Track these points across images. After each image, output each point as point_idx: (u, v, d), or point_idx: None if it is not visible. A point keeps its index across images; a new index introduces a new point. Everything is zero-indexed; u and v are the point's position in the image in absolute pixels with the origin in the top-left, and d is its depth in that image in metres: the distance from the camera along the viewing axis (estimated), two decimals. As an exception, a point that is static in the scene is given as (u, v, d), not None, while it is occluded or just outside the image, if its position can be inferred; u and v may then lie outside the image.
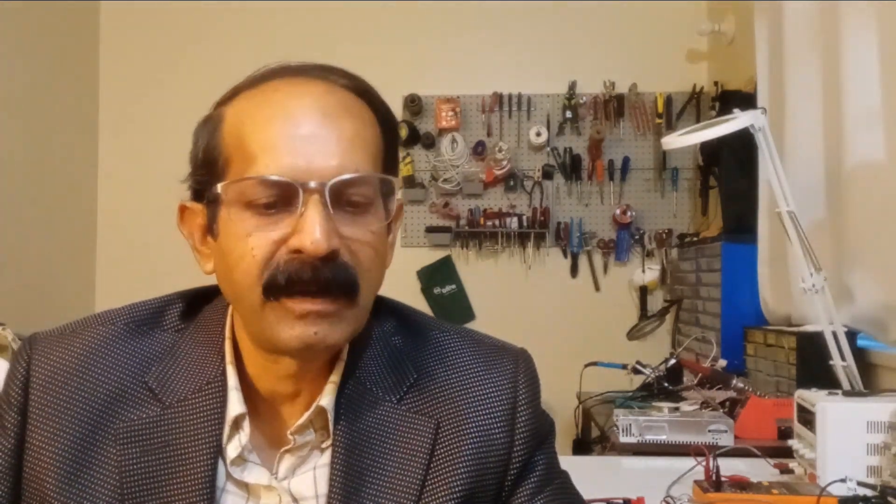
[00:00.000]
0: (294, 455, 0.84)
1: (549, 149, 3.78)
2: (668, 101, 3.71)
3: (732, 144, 2.75)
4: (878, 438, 1.41)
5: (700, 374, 2.33)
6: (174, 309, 0.90)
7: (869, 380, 2.04)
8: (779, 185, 1.74)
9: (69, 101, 3.77)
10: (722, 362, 2.47)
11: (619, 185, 3.75)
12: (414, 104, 3.75)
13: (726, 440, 1.82)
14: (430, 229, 3.79)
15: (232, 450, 0.82)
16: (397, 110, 3.66)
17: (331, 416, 0.83)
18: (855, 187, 2.08)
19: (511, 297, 3.77)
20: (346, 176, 0.77)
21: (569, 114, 3.75)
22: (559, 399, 2.78)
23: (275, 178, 0.76)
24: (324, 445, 0.84)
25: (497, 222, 3.74)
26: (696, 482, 1.42)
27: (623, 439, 1.88)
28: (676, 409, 2.03)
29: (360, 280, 0.79)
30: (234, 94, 0.83)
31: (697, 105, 3.69)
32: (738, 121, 1.76)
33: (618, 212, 3.72)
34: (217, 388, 0.83)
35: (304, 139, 0.77)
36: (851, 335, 1.90)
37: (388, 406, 0.85)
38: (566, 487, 0.91)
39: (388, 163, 0.84)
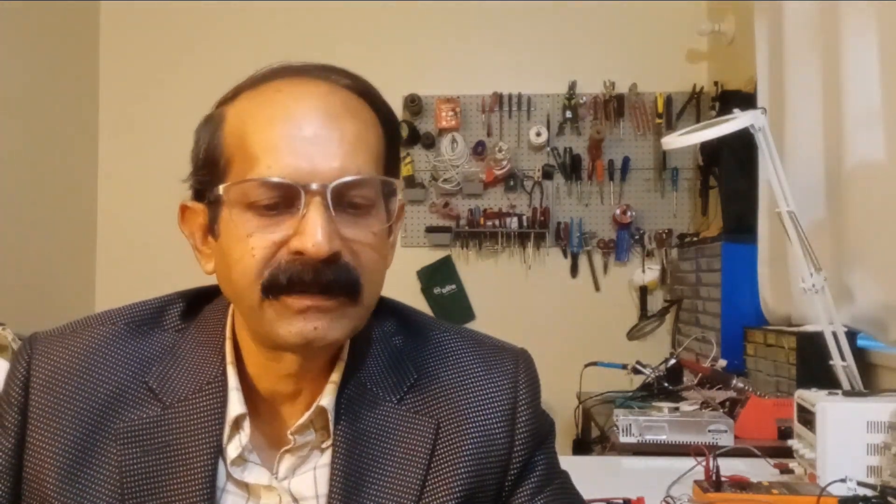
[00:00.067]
0: (294, 455, 0.84)
1: (549, 149, 3.78)
2: (668, 101, 3.71)
3: (732, 144, 2.75)
4: (878, 438, 1.41)
5: (700, 374, 2.33)
6: (174, 309, 0.90)
7: (869, 380, 2.04)
8: (779, 185, 1.74)
9: (69, 101, 3.77)
10: (722, 362, 2.47)
11: (619, 185, 3.75)
12: (414, 104, 3.75)
13: (726, 440, 1.82)
14: (430, 229, 3.79)
15: (232, 450, 0.82)
16: (397, 110, 3.66)
17: (331, 416, 0.83)
18: (855, 187, 2.08)
19: (511, 297, 3.77)
20: (348, 178, 0.77)
21: (569, 114, 3.75)
22: (559, 399, 2.78)
23: (276, 179, 0.76)
24: (324, 445, 0.84)
25: (497, 222, 3.74)
26: (696, 482, 1.42)
27: (623, 439, 1.88)
28: (676, 409, 2.03)
29: (362, 281, 0.79)
30: (235, 94, 0.83)
31: (697, 105, 3.69)
32: (738, 121, 1.76)
33: (618, 212, 3.72)
34: (217, 388, 0.84)
35: (306, 140, 0.77)
36: (851, 335, 1.90)
37: (389, 406, 0.85)
38: (566, 487, 0.91)
39: (390, 164, 0.84)
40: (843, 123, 2.10)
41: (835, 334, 1.71)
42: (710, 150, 3.23)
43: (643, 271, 3.70)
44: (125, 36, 3.96)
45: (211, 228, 0.82)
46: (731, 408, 2.09)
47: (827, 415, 1.44)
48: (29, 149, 3.42)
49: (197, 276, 0.89)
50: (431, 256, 3.81)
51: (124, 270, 3.84)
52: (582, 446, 2.75)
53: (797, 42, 2.41)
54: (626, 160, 3.73)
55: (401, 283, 3.58)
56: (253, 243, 0.77)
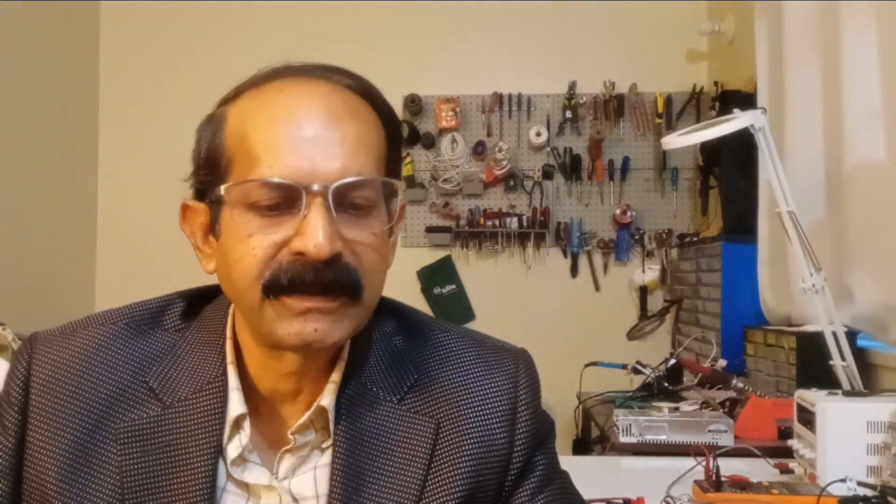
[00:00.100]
0: (294, 455, 0.84)
1: (549, 149, 3.78)
2: (668, 101, 3.71)
3: (732, 144, 2.75)
4: (878, 438, 1.41)
5: (700, 374, 2.33)
6: (175, 309, 0.90)
7: (869, 380, 2.04)
8: (779, 185, 1.74)
9: (69, 101, 3.76)
10: (722, 362, 2.47)
11: (619, 185, 3.75)
12: (414, 104, 3.75)
13: (726, 440, 1.82)
14: (430, 229, 3.79)
15: (232, 450, 0.82)
16: (397, 110, 3.64)
17: (331, 416, 0.83)
18: (855, 187, 2.09)
19: (511, 297, 3.77)
20: (350, 179, 0.77)
21: (569, 114, 3.75)
22: (559, 399, 2.78)
23: (277, 180, 0.76)
24: (324, 445, 0.84)
25: (497, 222, 3.74)
26: (696, 482, 1.42)
27: (623, 439, 1.88)
28: (676, 409, 2.03)
29: (363, 281, 0.79)
30: (237, 94, 0.83)
31: (697, 105, 3.69)
32: (738, 121, 1.76)
33: (618, 212, 3.72)
34: (218, 388, 0.84)
35: (308, 141, 0.77)
36: (851, 335, 1.90)
37: (389, 406, 0.85)
38: (566, 487, 0.91)
39: (391, 164, 0.84)
40: (843, 123, 2.10)
41: (835, 334, 1.71)
42: (710, 150, 3.24)
43: (643, 271, 3.70)
44: (125, 36, 3.96)
45: (212, 228, 0.82)
46: (731, 408, 2.09)
47: (827, 415, 1.44)
48: (29, 149, 3.42)
49: (197, 276, 0.89)
50: (431, 256, 3.81)
51: (124, 270, 3.84)
52: (582, 446, 2.75)
53: (797, 42, 2.41)
54: (626, 160, 3.73)
55: (401, 283, 3.57)
56: (254, 243, 0.77)
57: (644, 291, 3.72)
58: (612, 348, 3.26)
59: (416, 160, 3.80)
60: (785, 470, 1.61)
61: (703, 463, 1.43)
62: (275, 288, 0.76)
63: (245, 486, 0.83)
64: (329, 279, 0.76)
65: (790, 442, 1.59)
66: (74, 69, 3.81)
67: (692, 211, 3.73)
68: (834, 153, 2.20)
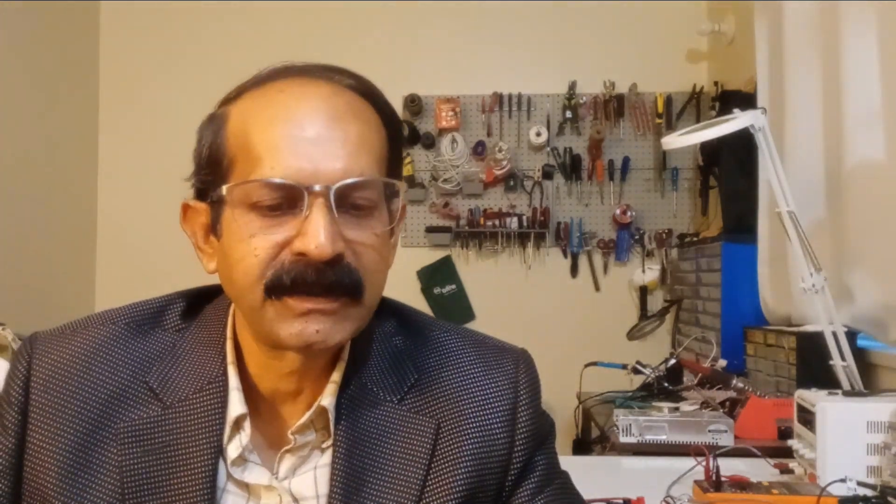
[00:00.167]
0: (294, 455, 0.84)
1: (549, 149, 3.78)
2: (668, 101, 3.72)
3: (732, 144, 2.75)
4: (878, 438, 1.41)
5: (700, 374, 2.33)
6: (175, 308, 0.90)
7: (869, 380, 2.04)
8: (779, 185, 1.74)
9: (69, 101, 3.77)
10: (722, 362, 2.47)
11: (619, 185, 3.75)
12: (414, 104, 3.75)
13: (726, 440, 1.82)
14: (430, 229, 3.79)
15: (233, 450, 0.82)
16: (397, 110, 3.66)
17: (332, 416, 0.83)
18: (855, 187, 2.09)
19: (511, 297, 3.77)
20: (351, 180, 0.77)
21: (569, 114, 3.75)
22: (559, 399, 2.78)
23: (279, 180, 0.76)
24: (324, 445, 0.84)
25: (497, 222, 3.74)
26: (696, 482, 1.42)
27: (623, 439, 1.88)
28: (676, 409, 2.03)
29: (364, 282, 0.79)
30: (238, 94, 0.83)
31: (697, 105, 3.69)
32: (738, 121, 1.76)
33: (618, 212, 3.72)
34: (218, 388, 0.84)
35: (310, 141, 0.77)
36: (851, 335, 1.90)
37: (389, 406, 0.85)
38: (566, 488, 0.91)
39: (393, 165, 0.84)
40: (843, 123, 2.10)
41: (835, 334, 1.71)
42: (710, 150, 3.24)
43: (643, 271, 3.70)
44: (125, 36, 3.96)
45: (213, 228, 0.82)
46: (731, 408, 2.09)
47: (827, 415, 1.44)
48: (29, 149, 3.42)
49: (197, 276, 0.89)
50: (431, 256, 3.81)
51: (124, 270, 3.84)
52: (582, 446, 2.75)
53: (797, 42, 2.41)
54: (626, 160, 3.73)
55: (401, 283, 3.57)
56: (256, 244, 0.77)
57: (644, 291, 3.72)
58: (612, 348, 3.26)
59: (416, 160, 3.80)
60: (785, 470, 1.61)
61: (703, 463, 1.43)
62: (277, 288, 0.76)
63: (245, 486, 0.83)
64: (330, 280, 0.76)
65: (790, 442, 1.59)
66: (74, 69, 3.81)
67: (692, 211, 3.73)
68: (834, 153, 2.20)
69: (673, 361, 2.42)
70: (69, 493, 0.80)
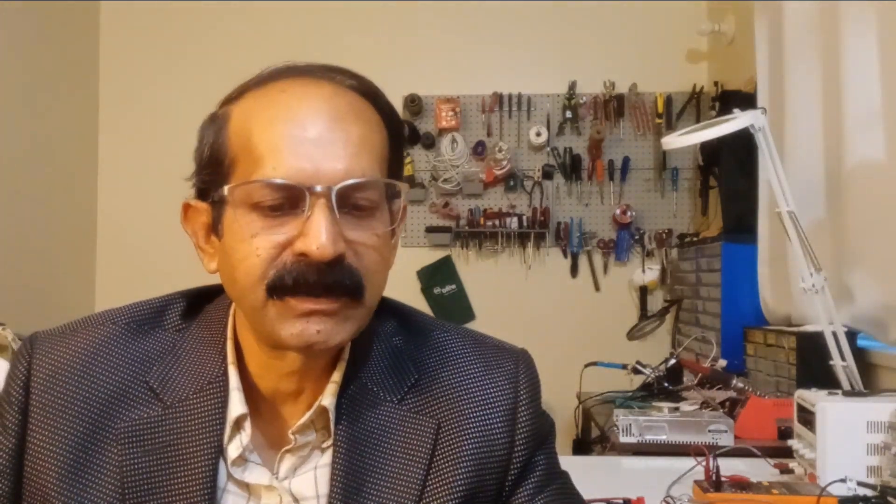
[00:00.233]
0: (295, 455, 0.84)
1: (549, 149, 3.78)
2: (668, 101, 3.72)
3: (732, 144, 2.75)
4: (878, 438, 1.41)
5: (700, 374, 2.33)
6: (175, 308, 0.90)
7: (869, 380, 2.05)
8: (779, 185, 1.74)
9: (69, 101, 3.77)
10: (722, 362, 2.47)
11: (619, 185, 3.75)
12: (414, 104, 3.75)
13: (726, 440, 1.83)
14: (430, 229, 3.79)
15: (233, 450, 0.82)
16: (397, 110, 3.66)
17: (332, 416, 0.83)
18: (855, 187, 2.09)
19: (511, 297, 3.77)
20: (353, 180, 0.77)
21: (569, 114, 3.75)
22: (559, 399, 2.78)
23: (281, 181, 0.76)
24: (324, 445, 0.84)
25: (497, 222, 3.74)
26: (696, 482, 1.42)
27: (623, 439, 1.88)
28: (676, 409, 2.03)
29: (364, 282, 0.79)
30: (240, 93, 0.83)
31: (697, 105, 3.69)
32: (738, 121, 1.76)
33: (618, 212, 3.72)
34: (218, 388, 0.84)
35: (311, 142, 0.77)
36: (851, 335, 1.90)
37: (389, 406, 0.85)
38: (566, 488, 0.91)
39: (394, 165, 0.84)
40: (843, 123, 2.10)
41: (835, 334, 1.71)
42: (710, 150, 3.24)
43: (643, 271, 3.70)
44: (125, 36, 3.96)
45: (214, 228, 0.82)
46: (731, 408, 2.09)
47: (827, 415, 1.45)
48: (29, 149, 3.42)
49: (196, 276, 0.89)
50: (431, 256, 3.81)
51: (124, 270, 3.84)
52: (582, 446, 2.75)
53: (797, 42, 2.41)
54: (626, 160, 3.73)
55: (401, 283, 3.57)
56: (257, 244, 0.77)
57: (644, 291, 3.72)
58: (612, 348, 3.26)
59: (416, 160, 3.80)
60: (785, 470, 1.61)
61: (703, 463, 1.43)
62: (279, 288, 0.76)
63: (245, 487, 0.83)
64: (332, 280, 0.76)
65: (790, 442, 1.59)
66: (74, 69, 3.81)
67: (692, 211, 3.73)
68: (834, 153, 2.20)
69: (673, 361, 2.42)
70: (69, 493, 0.80)
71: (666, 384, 2.34)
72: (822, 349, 1.74)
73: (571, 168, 3.75)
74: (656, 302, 3.71)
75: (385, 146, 0.83)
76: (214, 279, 0.86)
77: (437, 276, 3.80)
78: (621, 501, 1.40)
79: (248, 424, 0.83)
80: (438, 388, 0.87)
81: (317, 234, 0.75)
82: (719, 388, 2.24)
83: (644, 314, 3.69)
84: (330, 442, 0.83)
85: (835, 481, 1.33)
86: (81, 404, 0.83)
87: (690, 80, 3.71)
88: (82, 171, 3.87)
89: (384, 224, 0.81)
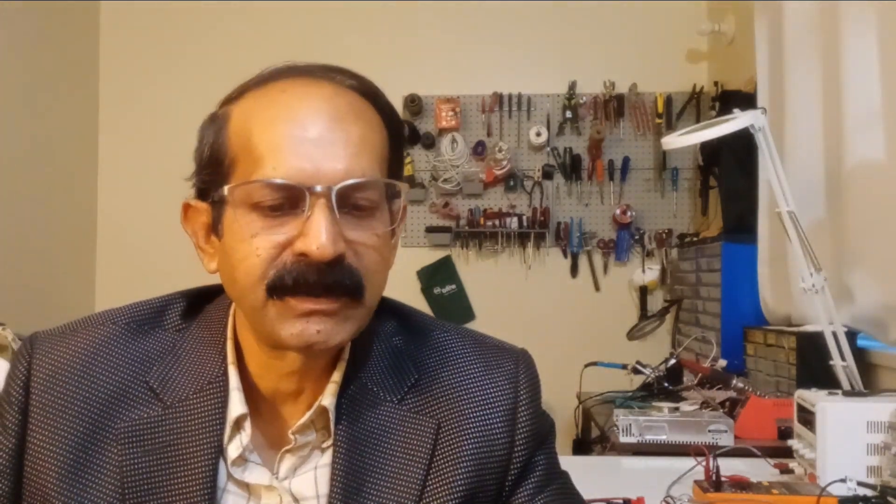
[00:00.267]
0: (295, 455, 0.84)
1: (549, 149, 3.78)
2: (668, 101, 3.72)
3: (732, 144, 2.75)
4: (878, 438, 1.41)
5: (700, 374, 2.33)
6: (175, 308, 0.90)
7: (869, 380, 2.05)
8: (779, 185, 1.74)
9: (69, 101, 3.77)
10: (722, 362, 2.47)
11: (619, 185, 3.75)
12: (414, 104, 3.75)
13: (726, 440, 1.83)
14: (430, 229, 3.79)
15: (233, 450, 0.82)
16: (397, 110, 3.66)
17: (332, 416, 0.83)
18: (855, 187, 2.09)
19: (511, 297, 3.77)
20: (353, 181, 0.77)
21: (569, 114, 3.75)
22: (559, 399, 2.78)
23: (281, 181, 0.76)
24: (324, 445, 0.84)
25: (497, 222, 3.74)
26: (696, 482, 1.42)
27: (623, 439, 1.88)
28: (676, 409, 2.03)
29: (364, 283, 0.79)
30: (240, 93, 0.83)
31: (697, 105, 3.69)
32: (738, 121, 1.76)
33: (618, 212, 3.72)
34: (218, 388, 0.84)
35: (312, 142, 0.77)
36: (851, 335, 1.90)
37: (390, 406, 0.85)
38: (566, 488, 0.91)
39: (394, 165, 0.84)
40: (843, 123, 2.10)
41: (835, 334, 1.71)
42: (710, 150, 3.24)
43: (643, 271, 3.70)
44: (125, 36, 3.96)
45: (214, 228, 0.82)
46: (731, 408, 2.09)
47: (827, 415, 1.45)
48: (29, 149, 3.42)
49: (196, 276, 0.89)
50: (431, 256, 3.81)
51: (124, 270, 3.84)
52: (582, 446, 2.75)
53: (797, 42, 2.41)
54: (626, 160, 3.73)
55: (401, 283, 3.57)
56: (257, 244, 0.77)
57: (644, 291, 3.72)
58: (612, 348, 3.26)
59: (416, 160, 3.80)
60: (785, 470, 1.61)
61: (703, 463, 1.43)
62: (279, 288, 0.77)
63: (246, 487, 0.83)
64: (332, 280, 0.76)
65: (790, 442, 1.59)
66: (74, 69, 3.81)
67: (692, 211, 3.73)
68: (834, 153, 2.20)
69: (673, 361, 2.42)
70: (69, 493, 0.80)
71: (666, 384, 2.34)
72: (822, 349, 1.74)
73: (571, 168, 3.75)
74: (656, 302, 3.71)
75: (385, 146, 0.83)
76: (214, 279, 0.86)
77: (437, 276, 3.80)
78: (621, 501, 1.40)
79: (248, 424, 0.83)
80: (438, 388, 0.87)
81: (317, 234, 0.75)
82: (719, 388, 2.24)
83: (644, 314, 3.69)
84: (330, 442, 0.83)
85: (835, 481, 1.33)
86: (81, 404, 0.83)
87: (690, 80, 3.71)
88: (82, 171, 3.87)
89: (384, 224, 0.81)
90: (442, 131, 3.79)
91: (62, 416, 0.82)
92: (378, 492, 0.81)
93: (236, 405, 0.83)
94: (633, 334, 3.54)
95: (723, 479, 1.40)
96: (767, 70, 2.65)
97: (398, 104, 3.72)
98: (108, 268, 3.92)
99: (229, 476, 0.83)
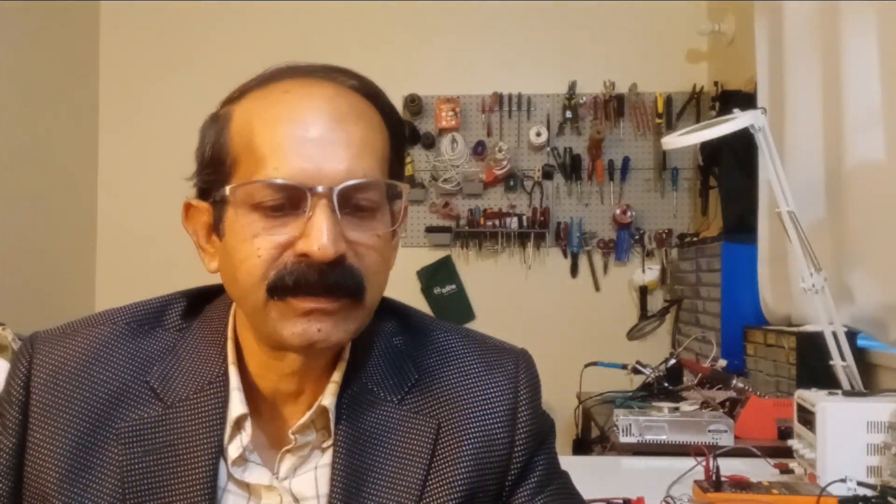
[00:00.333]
0: (295, 455, 0.84)
1: (549, 149, 3.78)
2: (668, 101, 3.72)
3: (732, 144, 2.75)
4: (878, 438, 1.41)
5: (700, 374, 2.33)
6: (176, 308, 0.90)
7: (869, 380, 2.05)
8: (779, 185, 1.74)
9: (69, 101, 3.77)
10: (722, 362, 2.47)
11: (619, 185, 3.75)
12: (414, 104, 3.75)
13: (726, 440, 1.83)
14: (430, 229, 3.79)
15: (233, 450, 0.82)
16: (398, 110, 3.66)
17: (332, 416, 0.83)
18: (855, 187, 2.09)
19: (511, 297, 3.77)
20: (354, 181, 0.77)
21: (569, 114, 3.75)
22: (559, 399, 2.77)
23: (282, 181, 0.76)
24: (324, 445, 0.84)
25: (497, 222, 3.74)
26: (696, 482, 1.42)
27: (623, 439, 1.88)
28: (676, 409, 2.04)
29: (365, 283, 0.79)
30: (242, 93, 0.83)
31: (697, 105, 3.69)
32: (738, 121, 1.76)
33: (618, 212, 3.72)
34: (219, 387, 0.84)
35: (313, 143, 0.77)
36: (851, 335, 1.90)
37: (390, 406, 0.85)
38: (566, 488, 0.91)
39: (395, 166, 0.84)
40: (843, 123, 2.10)
41: (835, 334, 1.71)
42: (710, 150, 3.24)
43: (643, 271, 3.70)
44: (125, 36, 3.96)
45: (215, 227, 0.82)
46: (731, 408, 2.09)
47: (827, 415, 1.45)
48: (29, 149, 3.42)
49: (196, 276, 0.89)
50: (431, 256, 3.81)
51: (124, 270, 3.84)
52: (582, 446, 2.75)
53: (797, 42, 2.41)
54: (626, 160, 3.73)
55: (401, 283, 3.57)
56: (259, 244, 0.77)
57: (644, 291, 3.72)
58: (612, 348, 3.26)
59: (416, 160, 3.80)
60: (785, 470, 1.61)
61: (703, 463, 1.43)
62: (279, 289, 0.77)
63: (246, 487, 0.83)
64: (332, 281, 0.76)
65: (790, 442, 1.59)
66: (74, 69, 3.81)
67: (692, 211, 3.73)
68: (834, 153, 2.20)
69: (673, 361, 2.42)
70: (70, 492, 0.80)
71: (666, 384, 2.34)
72: (822, 349, 1.74)
73: (571, 168, 3.75)
74: (656, 302, 3.71)
75: (386, 147, 0.83)
76: (215, 279, 0.86)
77: (437, 276, 3.80)
78: (621, 501, 1.40)
79: (248, 424, 0.83)
80: (438, 389, 0.87)
81: (318, 234, 0.75)
82: (719, 388, 2.24)
83: (644, 314, 3.69)
84: (330, 442, 0.83)
85: (835, 481, 1.33)
86: (82, 404, 0.83)
87: (690, 80, 3.71)
88: (82, 171, 3.87)
89: (385, 225, 0.81)
90: (442, 131, 3.79)
91: (63, 416, 0.82)
92: (378, 492, 0.81)
93: (237, 405, 0.83)
94: (633, 334, 3.54)
95: (723, 479, 1.40)
96: (767, 70, 2.65)
97: (398, 104, 3.72)
98: (108, 268, 3.92)
99: (229, 476, 0.83)
